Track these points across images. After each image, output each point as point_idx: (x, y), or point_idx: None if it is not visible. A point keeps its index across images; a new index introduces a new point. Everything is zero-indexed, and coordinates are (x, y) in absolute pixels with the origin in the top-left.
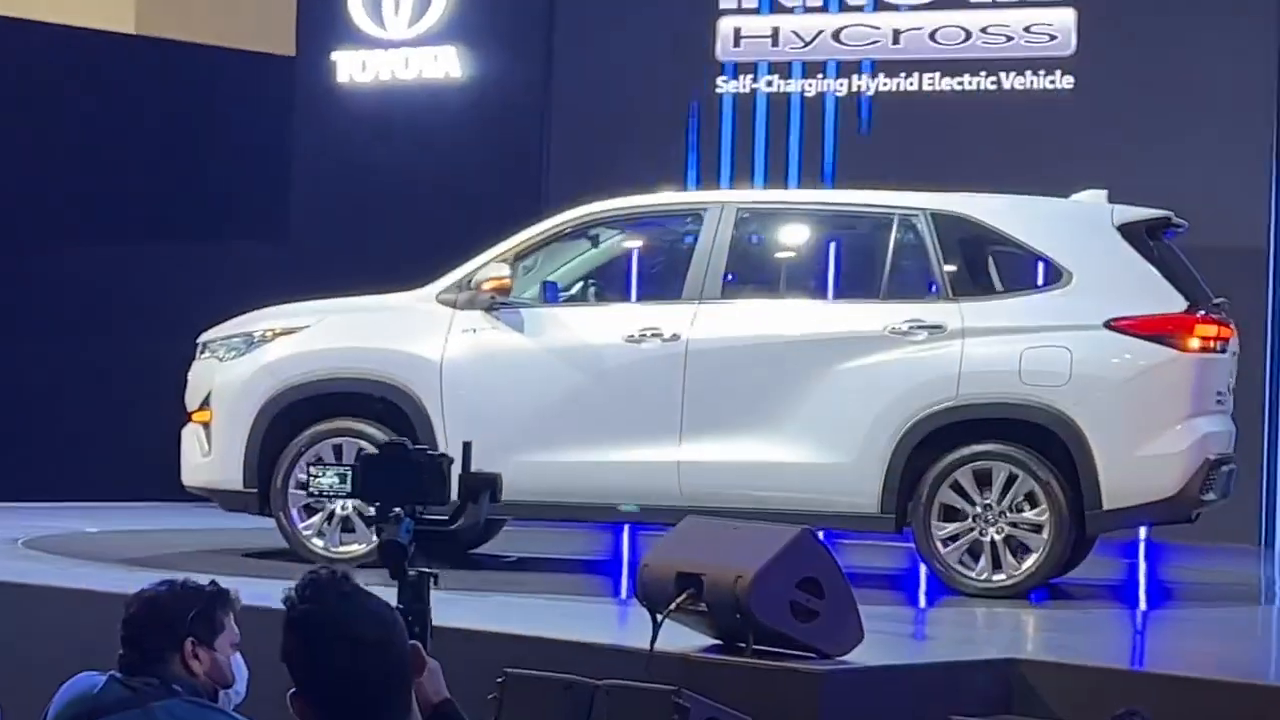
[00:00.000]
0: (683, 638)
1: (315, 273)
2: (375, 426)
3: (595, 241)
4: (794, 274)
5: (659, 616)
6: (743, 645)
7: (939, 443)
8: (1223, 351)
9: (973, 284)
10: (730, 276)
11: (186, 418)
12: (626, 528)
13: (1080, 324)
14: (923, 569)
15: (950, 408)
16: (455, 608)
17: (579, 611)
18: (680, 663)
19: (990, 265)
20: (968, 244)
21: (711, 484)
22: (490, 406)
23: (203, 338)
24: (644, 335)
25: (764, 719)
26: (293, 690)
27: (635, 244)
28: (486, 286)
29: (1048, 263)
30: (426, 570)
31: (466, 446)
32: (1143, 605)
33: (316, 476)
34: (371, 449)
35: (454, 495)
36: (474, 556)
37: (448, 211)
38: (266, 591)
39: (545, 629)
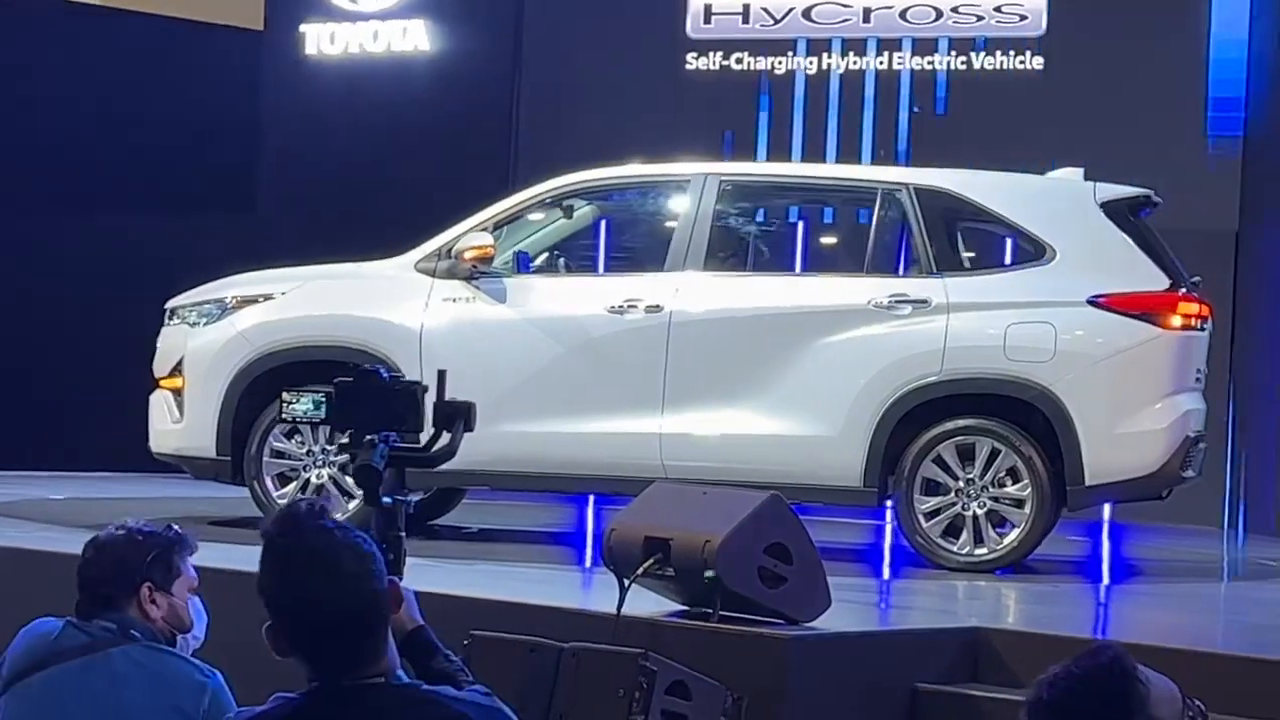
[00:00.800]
0: (650, 603)
1: (284, 245)
2: None
3: (572, 212)
4: (777, 247)
5: (626, 581)
6: (710, 611)
7: (922, 417)
8: (1202, 330)
9: (956, 259)
10: (713, 248)
11: (154, 384)
12: (592, 501)
13: (1064, 300)
14: (889, 543)
15: (935, 382)
16: (419, 573)
17: (545, 577)
18: (647, 627)
19: (974, 241)
20: (951, 219)
21: (693, 456)
22: (471, 376)
23: (171, 303)
24: (626, 306)
25: (731, 684)
26: (268, 623)
27: (616, 214)
28: (468, 255)
29: (1031, 239)
30: (401, 498)
31: (441, 374)
32: (1106, 580)
33: (291, 403)
34: None
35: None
36: (434, 528)
37: (416, 184)
38: (232, 555)
39: (511, 593)
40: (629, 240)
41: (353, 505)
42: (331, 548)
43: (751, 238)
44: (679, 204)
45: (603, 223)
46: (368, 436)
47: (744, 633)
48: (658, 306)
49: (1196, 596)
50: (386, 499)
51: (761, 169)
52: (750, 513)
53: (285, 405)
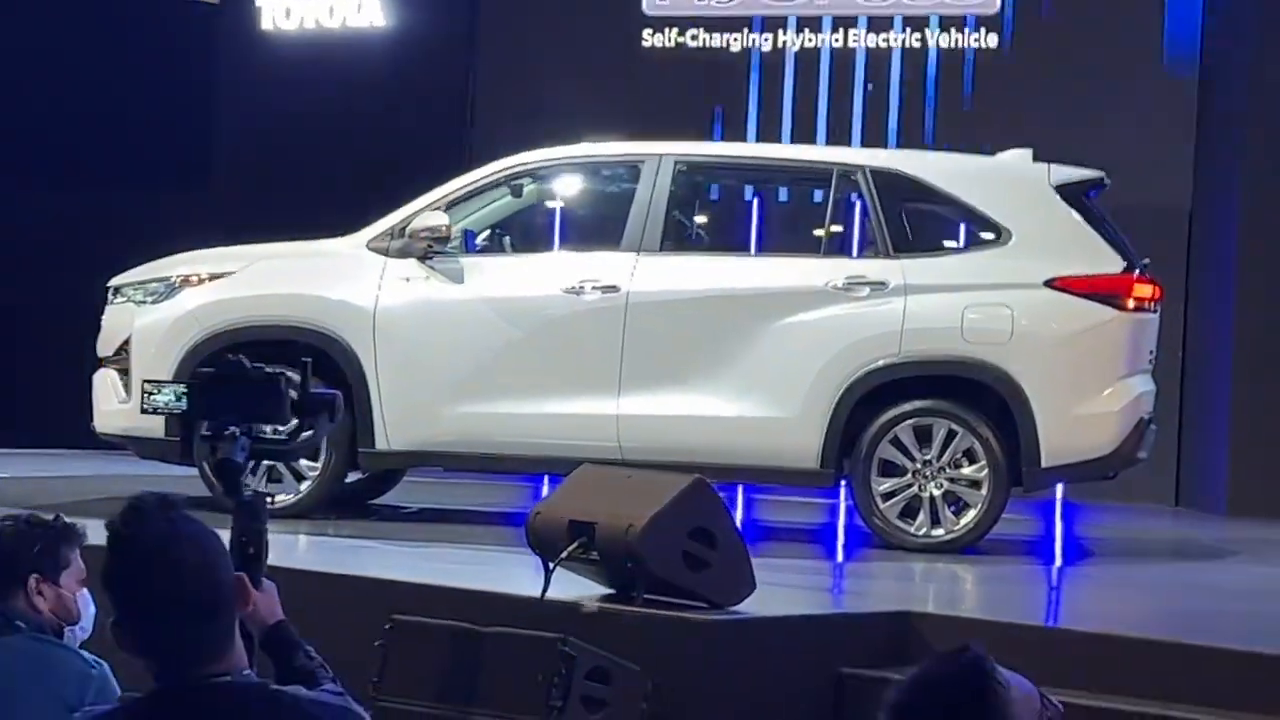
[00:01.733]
0: (576, 586)
1: (238, 221)
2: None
3: (521, 191)
4: (733, 227)
5: (550, 565)
6: (634, 594)
7: (880, 399)
8: (1154, 311)
9: (913, 241)
10: (669, 229)
11: (98, 363)
12: (547, 481)
13: (1021, 282)
14: (843, 523)
15: (893, 364)
16: (347, 555)
17: (475, 559)
18: (571, 611)
19: (930, 222)
20: (907, 201)
21: (650, 437)
22: (425, 356)
23: (115, 282)
24: (583, 287)
25: (654, 668)
26: (114, 618)
27: (571, 193)
28: (424, 235)
29: (988, 221)
30: (262, 491)
31: (305, 365)
32: (1057, 562)
33: (151, 394)
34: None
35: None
36: (372, 507)
37: (373, 160)
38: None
39: (436, 576)
40: (584, 220)
41: (305, 487)
42: (174, 539)
43: (708, 218)
44: (635, 184)
45: (558, 202)
46: (229, 429)
47: (666, 617)
48: (614, 287)
49: (1139, 580)
50: (248, 492)
51: (717, 149)
52: (674, 497)
53: (146, 396)
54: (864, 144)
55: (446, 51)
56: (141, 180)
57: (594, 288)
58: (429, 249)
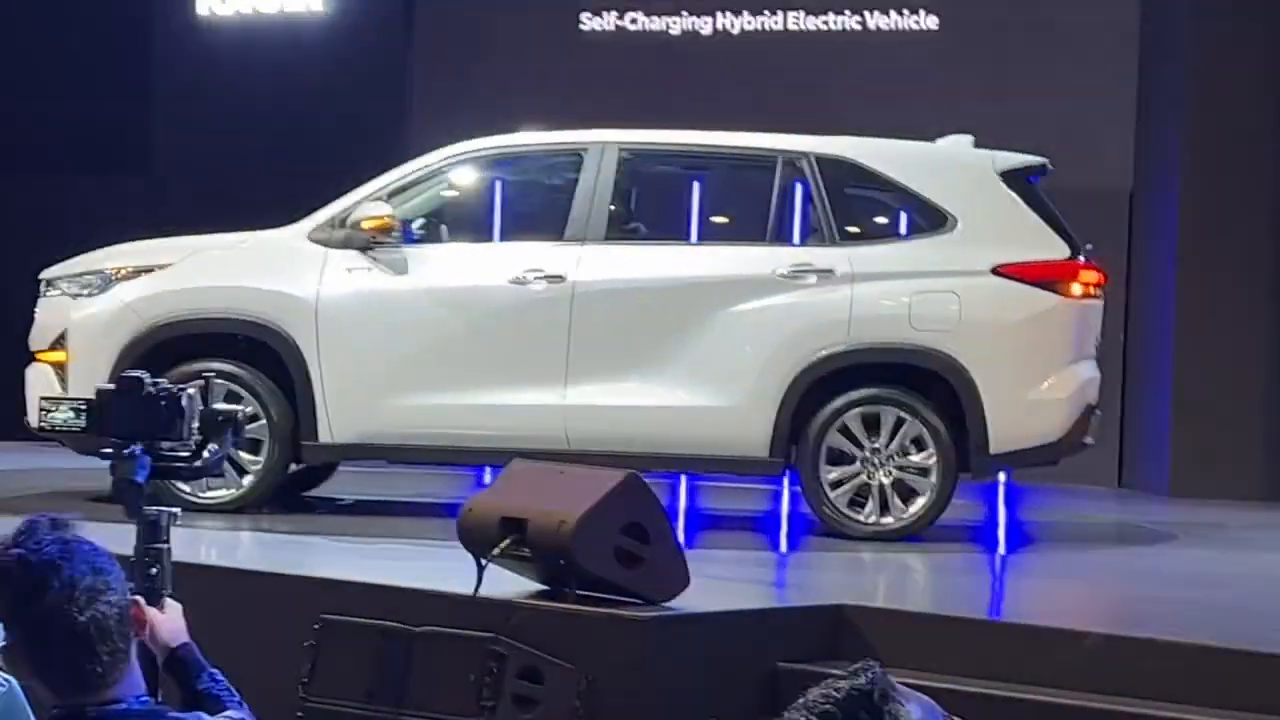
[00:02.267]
0: (509, 583)
1: (176, 208)
2: (244, 368)
3: (460, 180)
4: (678, 216)
5: (483, 561)
6: (566, 591)
7: (828, 387)
8: (1099, 298)
9: (858, 228)
10: (613, 217)
11: (31, 357)
12: (489, 470)
13: (967, 269)
14: (787, 511)
15: (841, 352)
16: (277, 551)
17: (407, 555)
18: (503, 608)
19: (874, 210)
20: (853, 188)
21: (598, 429)
22: (369, 348)
23: (47, 274)
24: (528, 277)
25: (587, 665)
26: (3, 644)
27: (513, 182)
28: (367, 225)
29: (933, 208)
30: (166, 509)
31: (207, 380)
32: (1000, 550)
33: (49, 411)
34: (240, 391)
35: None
36: (306, 499)
37: (312, 146)
38: (111, 534)
39: (367, 574)
40: (526, 209)
41: (247, 481)
42: (66, 560)
43: (652, 207)
44: (578, 172)
45: (499, 190)
46: (129, 448)
47: (599, 614)
48: (560, 277)
49: (1080, 568)
50: (150, 511)
51: (661, 137)
52: (607, 492)
53: (43, 414)
54: (804, 128)
55: (384, 36)
56: (77, 167)
57: (539, 278)
58: (372, 239)
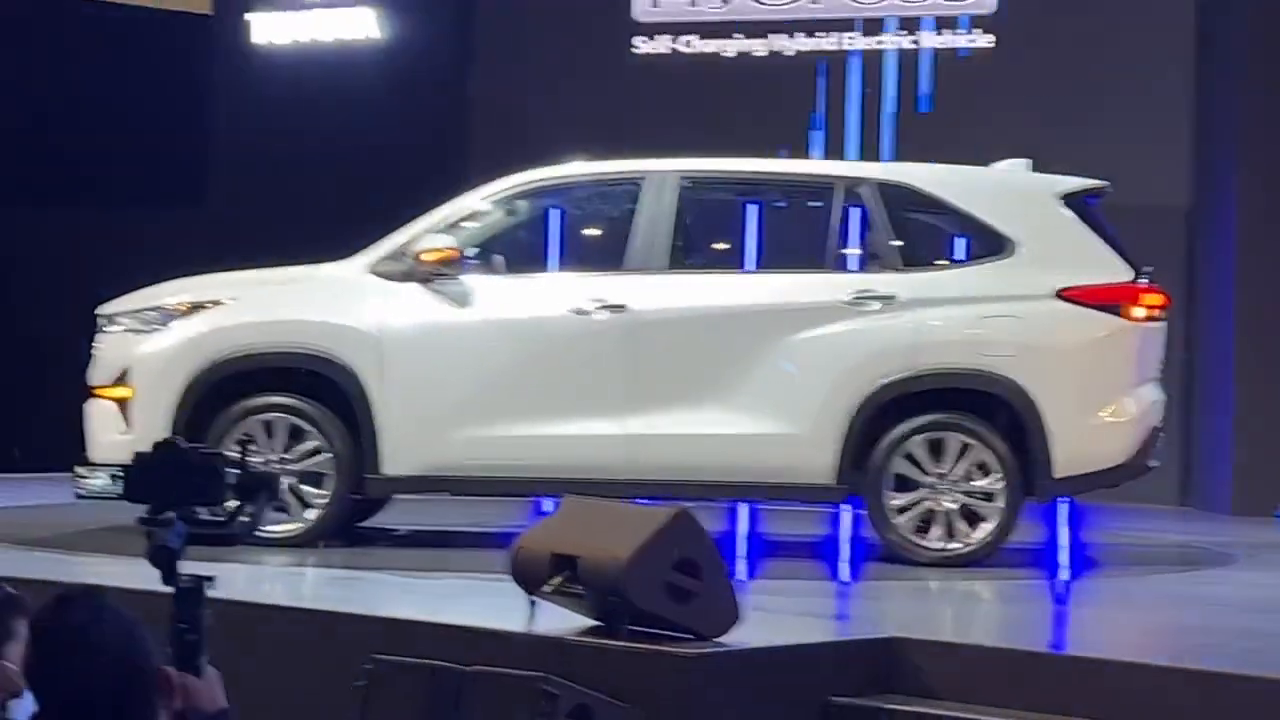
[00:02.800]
0: (561, 620)
1: (234, 238)
2: (307, 402)
3: (520, 210)
4: (739, 244)
5: (534, 599)
6: (618, 628)
7: (892, 413)
8: (1163, 320)
9: (921, 254)
10: (674, 246)
11: (90, 392)
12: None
13: (1030, 294)
14: (844, 537)
15: (906, 378)
16: (328, 588)
17: (458, 591)
18: (555, 646)
19: (936, 235)
20: (914, 214)
21: (661, 458)
22: (433, 380)
23: (107, 309)
24: (591, 307)
25: (639, 702)
26: (34, 712)
27: (574, 212)
28: (429, 258)
29: (995, 233)
30: (202, 575)
31: (243, 443)
32: (1062, 575)
33: (85, 478)
34: (304, 425)
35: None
36: (361, 530)
37: (369, 174)
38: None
39: (418, 611)
40: (587, 238)
41: (312, 515)
42: (95, 630)
43: (713, 235)
44: (638, 201)
45: (559, 221)
46: (165, 513)
47: (650, 650)
48: (621, 306)
49: (1142, 595)
50: (187, 578)
51: (721, 165)
52: (658, 528)
53: (80, 479)
54: (861, 147)
55: (440, 63)
56: (133, 199)
57: (601, 308)
58: (433, 272)
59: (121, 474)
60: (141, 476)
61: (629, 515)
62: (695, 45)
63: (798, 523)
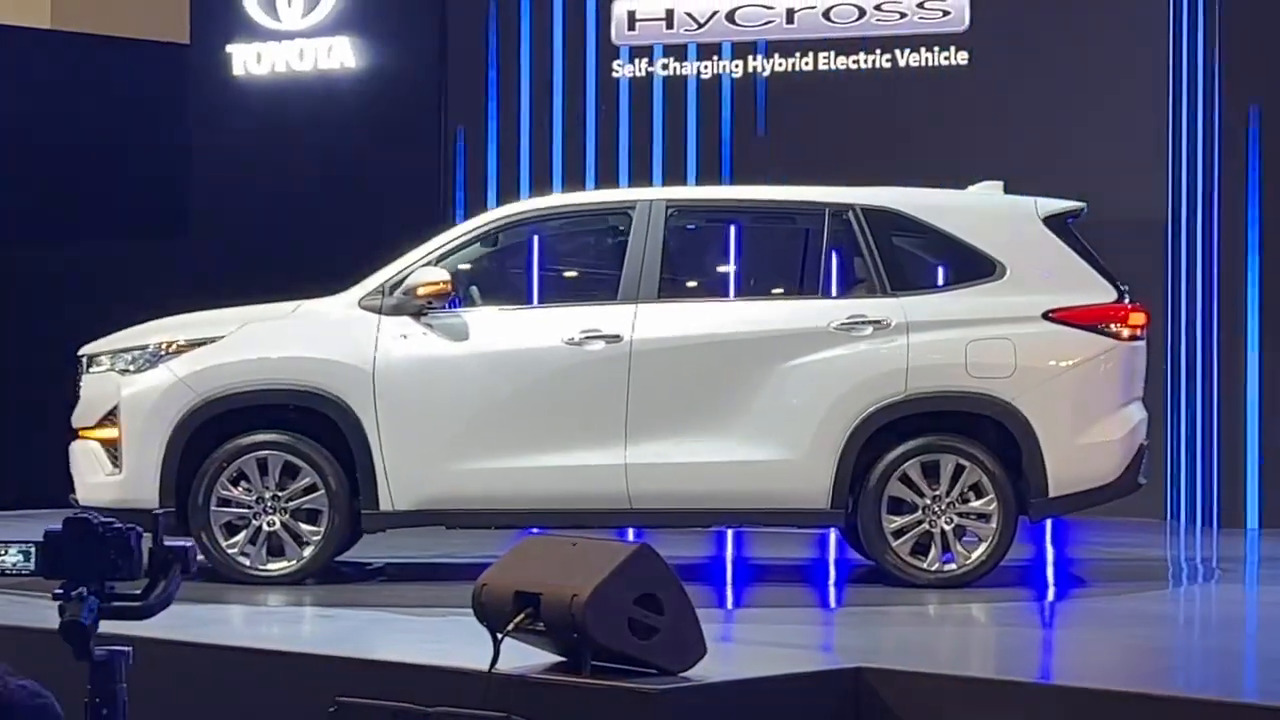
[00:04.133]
0: (525, 657)
1: (215, 269)
2: (300, 439)
3: (514, 242)
4: (730, 271)
5: (498, 636)
6: (582, 665)
7: (886, 436)
8: (1144, 339)
9: (909, 278)
10: (665, 274)
11: (74, 434)
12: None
13: (1019, 316)
14: (833, 560)
15: (900, 401)
16: (293, 628)
17: (423, 629)
18: (519, 684)
19: (923, 259)
20: (900, 238)
21: (660, 486)
22: (429, 414)
23: (90, 350)
24: (585, 337)
25: None
26: None
27: (562, 242)
28: (424, 291)
29: (982, 256)
30: (118, 649)
31: (157, 519)
32: (1048, 596)
33: None
34: (298, 462)
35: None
36: (337, 565)
37: (349, 204)
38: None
39: (384, 651)
40: (578, 269)
41: (308, 552)
42: (4, 710)
43: (703, 263)
44: (627, 230)
45: (549, 251)
46: (77, 589)
47: (614, 687)
48: (617, 336)
49: (1121, 616)
50: (101, 652)
51: (707, 193)
52: (619, 564)
53: None
54: (838, 167)
55: (418, 89)
56: (113, 231)
57: (596, 338)
58: (426, 305)
59: (34, 550)
60: (55, 552)
61: (590, 551)
62: (672, 67)
63: (781, 546)
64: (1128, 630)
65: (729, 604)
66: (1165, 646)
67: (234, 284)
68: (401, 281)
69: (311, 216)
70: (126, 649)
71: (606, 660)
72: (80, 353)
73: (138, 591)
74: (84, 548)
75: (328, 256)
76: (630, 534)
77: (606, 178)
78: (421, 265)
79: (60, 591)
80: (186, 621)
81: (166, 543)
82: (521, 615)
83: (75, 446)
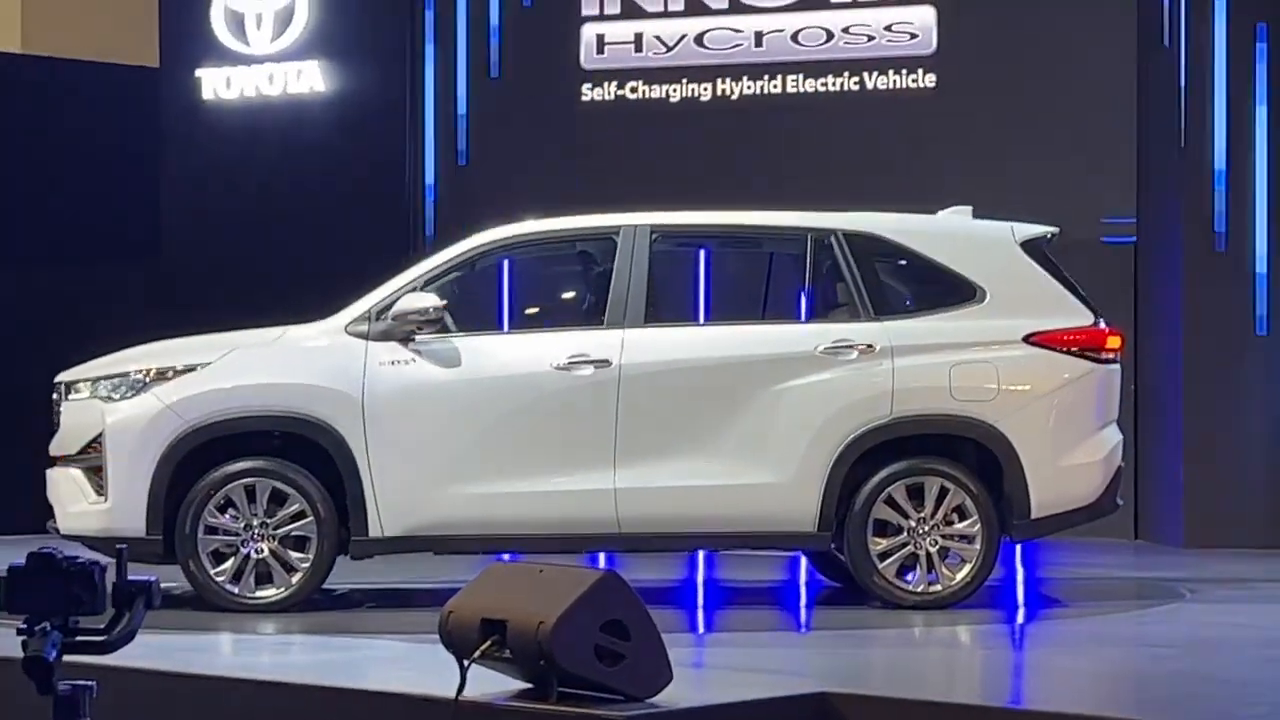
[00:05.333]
0: (492, 684)
1: (187, 293)
2: (288, 466)
3: (499, 267)
4: (715, 295)
5: (465, 663)
6: (548, 692)
7: (872, 459)
8: (1119, 362)
9: (892, 303)
10: (651, 299)
11: (49, 460)
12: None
13: (1000, 340)
14: (803, 582)
15: (885, 424)
16: (259, 656)
17: (391, 656)
18: (486, 712)
19: (904, 283)
20: (882, 263)
21: (649, 511)
22: (419, 439)
23: (69, 376)
24: (573, 363)
25: None
26: None
27: (548, 267)
28: (415, 317)
29: (962, 280)
30: (81, 683)
31: (121, 552)
32: (1019, 617)
33: None
34: (286, 489)
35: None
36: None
37: (319, 228)
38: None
39: (350, 679)
40: (564, 293)
41: (296, 580)
42: None
43: (688, 287)
44: (612, 256)
45: (534, 276)
46: (40, 624)
47: (580, 714)
48: (605, 361)
49: (1091, 637)
50: (64, 686)
51: (691, 218)
52: (584, 591)
53: None
54: (808, 191)
55: (389, 112)
56: (85, 254)
57: (585, 363)
58: (416, 330)
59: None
60: (17, 587)
61: (556, 578)
62: (641, 90)
63: (751, 569)
64: (1097, 653)
65: (699, 628)
66: (1134, 670)
67: (205, 308)
68: (388, 307)
69: (282, 240)
70: (90, 683)
71: (573, 687)
72: (57, 379)
73: (101, 626)
74: (47, 582)
75: (298, 280)
76: (601, 559)
77: (575, 203)
78: (407, 291)
79: (24, 626)
80: (152, 651)
81: (130, 576)
82: (488, 643)
83: (56, 474)
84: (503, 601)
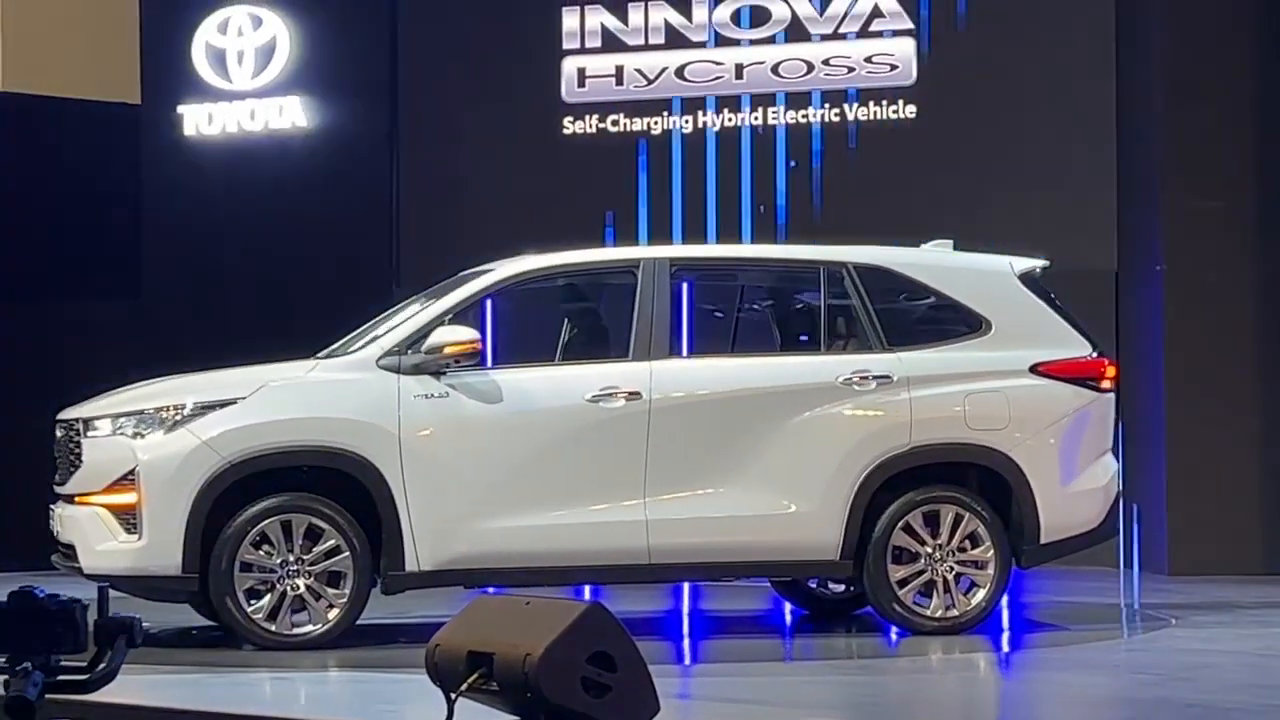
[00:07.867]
0: (481, 716)
1: (170, 330)
2: (323, 501)
3: (523, 300)
4: (735, 328)
5: (452, 696)
6: None
7: (891, 488)
8: (1114, 391)
9: (905, 334)
10: (675, 331)
11: (72, 498)
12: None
13: (1009, 370)
14: (787, 610)
15: (904, 453)
16: (256, 690)
17: (376, 690)
18: None
19: (914, 316)
20: (893, 295)
21: (679, 541)
22: (455, 473)
23: (85, 413)
24: (604, 395)
25: None
26: None
27: (570, 299)
28: (450, 350)
29: (969, 313)
30: None
31: (103, 591)
32: (1004, 647)
33: None
34: (322, 524)
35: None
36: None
37: (302, 263)
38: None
39: (339, 713)
40: (587, 326)
41: (333, 615)
42: None
43: (710, 320)
44: (634, 289)
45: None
46: (22, 664)
47: None
48: (636, 393)
49: (1072, 667)
50: None
51: (709, 251)
52: (570, 623)
53: None
54: (788, 220)
55: (369, 149)
56: (67, 291)
57: (617, 395)
58: (454, 362)
59: None
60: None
61: (542, 610)
62: (622, 123)
63: (737, 599)
64: (1083, 680)
65: (685, 659)
66: (1119, 696)
67: (189, 344)
68: (419, 340)
69: (264, 275)
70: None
71: (560, 719)
72: (68, 416)
73: (84, 664)
74: (28, 621)
75: (283, 316)
76: (587, 591)
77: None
78: (439, 324)
79: (5, 665)
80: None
81: (111, 614)
82: (475, 675)
83: (78, 512)
84: (489, 634)
